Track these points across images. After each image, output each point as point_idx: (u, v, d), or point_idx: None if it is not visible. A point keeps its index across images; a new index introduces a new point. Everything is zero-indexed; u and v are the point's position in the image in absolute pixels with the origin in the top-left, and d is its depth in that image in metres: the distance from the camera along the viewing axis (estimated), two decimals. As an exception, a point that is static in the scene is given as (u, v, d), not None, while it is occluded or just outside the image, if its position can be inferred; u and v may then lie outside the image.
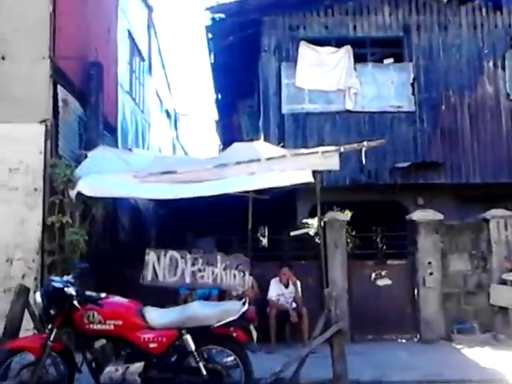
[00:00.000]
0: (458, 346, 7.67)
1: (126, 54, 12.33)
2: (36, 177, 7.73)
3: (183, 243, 11.80)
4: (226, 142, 16.41)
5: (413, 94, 10.68)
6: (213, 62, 13.07)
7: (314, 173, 7.42)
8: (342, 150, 7.12)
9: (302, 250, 8.56)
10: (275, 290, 7.63)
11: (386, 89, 10.75)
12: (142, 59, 14.17)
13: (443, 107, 10.63)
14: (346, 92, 10.70)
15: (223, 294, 7.61)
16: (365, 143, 7.32)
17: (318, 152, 7.26)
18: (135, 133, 12.87)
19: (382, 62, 11.04)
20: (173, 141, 19.28)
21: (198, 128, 25.71)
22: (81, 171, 7.62)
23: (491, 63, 10.80)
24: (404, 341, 8.11)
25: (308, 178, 7.35)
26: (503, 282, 8.24)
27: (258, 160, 7.28)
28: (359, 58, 10.86)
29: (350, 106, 10.67)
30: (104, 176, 7.53)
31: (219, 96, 15.29)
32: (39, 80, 8.01)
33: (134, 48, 13.21)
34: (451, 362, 6.66)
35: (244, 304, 4.77)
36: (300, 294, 7.69)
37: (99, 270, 5.87)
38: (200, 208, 9.10)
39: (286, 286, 7.70)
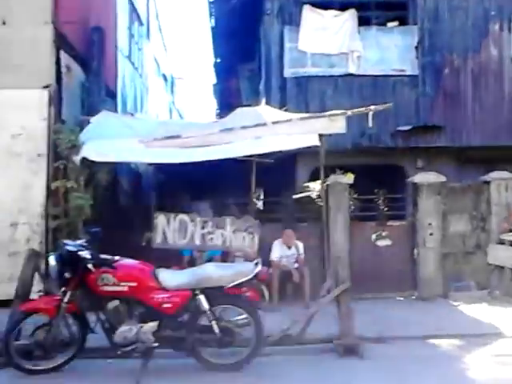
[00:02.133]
0: (455, 303, 7.89)
1: (125, 19, 12.18)
2: (39, 142, 7.76)
3: (179, 207, 11.94)
4: (224, 106, 16.37)
5: (416, 57, 10.63)
6: (213, 25, 12.91)
7: (320, 136, 7.48)
8: (349, 113, 7.13)
9: (303, 212, 8.69)
10: (278, 251, 7.77)
11: (389, 52, 10.69)
12: (141, 24, 13.99)
13: (446, 71, 10.61)
14: (349, 55, 10.63)
15: (226, 256, 7.77)
16: (372, 107, 7.33)
17: (324, 116, 7.28)
18: (134, 98, 12.82)
19: (386, 25, 10.95)
20: (169, 105, 19.16)
21: (194, 92, 25.53)
22: (84, 136, 7.61)
23: (497, 26, 10.73)
24: (402, 299, 8.34)
25: (314, 141, 7.42)
26: (501, 242, 8.42)
27: (264, 124, 7.28)
28: (363, 22, 10.75)
29: (352, 69, 10.62)
30: (109, 141, 7.54)
31: (218, 60, 15.13)
32: (42, 45, 7.98)
33: (133, 13, 13.03)
34: (450, 318, 6.89)
35: (257, 265, 4.90)
36: (303, 255, 7.85)
37: (102, 233, 5.96)
38: (196, 172, 9.15)
39: (289, 248, 7.85)
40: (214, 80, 17.08)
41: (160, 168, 10.49)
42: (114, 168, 9.13)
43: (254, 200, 10.79)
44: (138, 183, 12.05)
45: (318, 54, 10.69)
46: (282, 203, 8.87)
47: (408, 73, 10.67)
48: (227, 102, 15.54)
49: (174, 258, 7.52)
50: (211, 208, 10.35)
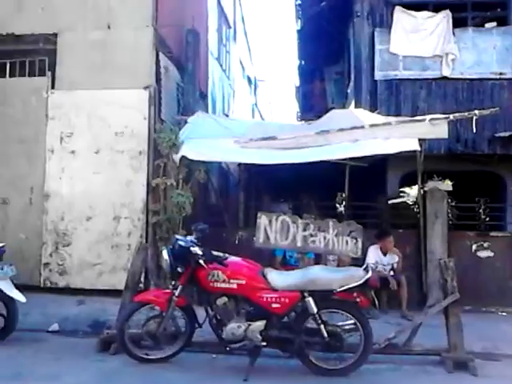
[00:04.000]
0: None
1: (214, 22, 12.44)
2: (140, 141, 8.04)
3: (261, 208, 12.00)
4: (306, 109, 16.33)
5: (517, 59, 10.10)
6: (300, 28, 12.92)
7: (420, 141, 7.27)
8: (451, 117, 6.90)
9: (398, 218, 8.47)
10: (374, 257, 7.58)
11: (487, 54, 10.21)
12: (229, 26, 14.26)
13: (551, 74, 10.00)
14: (443, 58, 10.24)
15: (319, 259, 7.68)
16: (476, 111, 7.05)
17: (425, 120, 7.07)
18: (222, 99, 13.04)
19: (483, 26, 10.49)
20: (252, 107, 19.38)
21: (276, 94, 25.63)
22: (183, 136, 7.85)
23: None
24: (505, 314, 7.91)
25: (413, 145, 7.20)
26: None
27: (362, 127, 7.19)
28: (459, 23, 10.34)
29: (446, 72, 10.23)
30: (206, 141, 7.74)
31: (302, 62, 15.12)
32: (143, 48, 8.26)
33: (222, 15, 13.28)
34: None
35: (367, 271, 4.81)
36: (400, 262, 7.63)
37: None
38: (280, 173, 9.16)
39: (385, 254, 7.66)
40: (296, 82, 17.12)
41: (247, 168, 10.62)
42: (207, 166, 9.32)
43: (337, 204, 10.64)
44: (226, 182, 12.25)
45: (410, 57, 10.40)
46: (373, 208, 8.69)
47: (508, 76, 10.14)
48: (310, 104, 15.50)
49: (267, 258, 7.56)
50: (291, 210, 10.34)
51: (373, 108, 9.85)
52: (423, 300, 7.62)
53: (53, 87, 8.30)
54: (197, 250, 4.91)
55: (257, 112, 20.74)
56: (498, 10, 10.68)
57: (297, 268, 6.25)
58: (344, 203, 10.14)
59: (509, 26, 10.29)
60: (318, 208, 9.12)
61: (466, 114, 7.26)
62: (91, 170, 8.01)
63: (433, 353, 5.26)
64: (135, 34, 8.31)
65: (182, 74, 9.61)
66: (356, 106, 10.35)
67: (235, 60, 15.24)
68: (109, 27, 8.39)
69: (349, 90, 12.11)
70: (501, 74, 10.17)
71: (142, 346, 5.17)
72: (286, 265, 7.39)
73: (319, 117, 8.69)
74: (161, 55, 8.61)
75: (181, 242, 5.01)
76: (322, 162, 7.65)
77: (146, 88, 8.13)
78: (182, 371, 4.89)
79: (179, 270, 4.97)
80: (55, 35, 8.40)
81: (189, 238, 5.17)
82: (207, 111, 10.82)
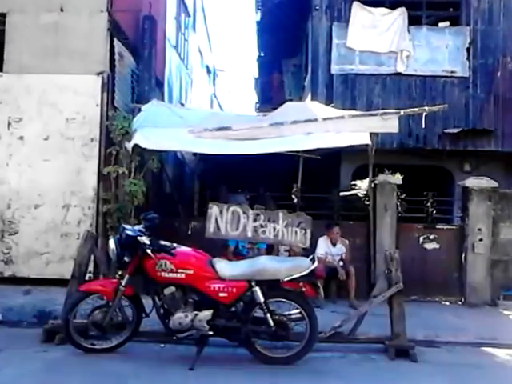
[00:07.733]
0: (506, 312, 7.73)
1: (173, 10, 12.28)
2: (92, 128, 7.89)
3: (218, 198, 12.00)
4: (265, 100, 16.39)
5: (468, 59, 10.44)
6: (259, 19, 12.91)
7: (371, 135, 7.42)
8: (402, 113, 7.05)
9: (348, 210, 8.64)
10: (323, 248, 7.72)
11: (439, 53, 10.53)
12: (188, 15, 14.11)
13: (499, 74, 10.38)
14: (398, 54, 10.51)
15: (271, 249, 7.77)
16: (426, 108, 7.24)
17: (377, 114, 7.20)
18: (179, 88, 12.90)
19: (437, 25, 10.79)
20: (211, 97, 19.25)
21: (235, 84, 25.53)
22: (136, 124, 7.72)
23: (553, 28, 10.44)
24: (448, 303, 8.21)
25: (365, 139, 7.33)
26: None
27: (315, 120, 7.25)
28: (414, 21, 10.63)
29: (401, 68, 10.49)
30: (160, 130, 7.62)
31: (261, 54, 15.13)
32: (97, 33, 8.10)
33: (181, 4, 13.12)
34: (502, 327, 6.75)
35: (313, 261, 4.88)
36: (348, 252, 7.80)
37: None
38: (236, 164, 9.17)
39: (334, 245, 7.81)
40: (255, 74, 17.10)
41: (203, 158, 10.57)
42: (161, 156, 9.21)
43: (293, 196, 10.72)
44: (181, 172, 12.16)
45: (366, 52, 10.61)
46: (326, 200, 8.82)
47: (458, 74, 10.50)
48: (268, 96, 15.55)
49: (219, 248, 7.56)
50: (247, 200, 10.38)
51: (328, 101, 9.97)
52: (372, 290, 7.83)
53: (1, 70, 8.03)
54: (144, 239, 4.85)
55: (215, 102, 20.63)
56: (451, 9, 10.98)
57: (248, 258, 6.28)
58: (297, 195, 10.27)
59: (460, 26, 10.62)
60: (274, 199, 9.20)
61: (417, 109, 7.44)
62: (40, 157, 7.81)
63: (376, 341, 5.41)
64: (89, 19, 8.12)
65: (137, 60, 9.44)
66: (312, 99, 10.46)
67: (194, 49, 15.09)
68: (61, 10, 8.18)
69: (306, 83, 12.22)
70: (452, 72, 10.50)
71: (88, 336, 5.07)
72: (239, 255, 7.42)
73: (277, 108, 8.72)
74: (115, 41, 8.43)
75: (128, 232, 4.93)
76: (278, 153, 7.72)
77: (99, 74, 7.97)
78: (128, 361, 4.83)
79: (126, 259, 4.90)
80: (3, 15, 8.12)
81: (137, 227, 5.11)
82: (163, 99, 10.68)
